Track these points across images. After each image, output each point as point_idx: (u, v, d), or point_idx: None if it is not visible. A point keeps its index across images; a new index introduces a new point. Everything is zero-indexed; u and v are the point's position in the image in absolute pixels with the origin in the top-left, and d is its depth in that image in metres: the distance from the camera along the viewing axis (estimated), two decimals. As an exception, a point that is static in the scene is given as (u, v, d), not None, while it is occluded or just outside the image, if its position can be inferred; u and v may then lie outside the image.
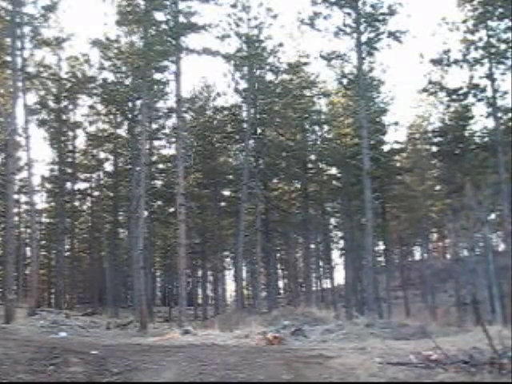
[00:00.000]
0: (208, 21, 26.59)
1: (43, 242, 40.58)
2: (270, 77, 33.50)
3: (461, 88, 27.81)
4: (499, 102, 26.39)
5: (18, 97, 26.14)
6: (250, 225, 32.18)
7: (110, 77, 34.34)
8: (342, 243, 39.97)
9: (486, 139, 28.47)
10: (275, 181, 37.41)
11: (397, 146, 36.07)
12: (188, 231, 27.16)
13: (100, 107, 35.97)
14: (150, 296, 34.48)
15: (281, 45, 32.48)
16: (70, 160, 37.01)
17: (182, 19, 26.09)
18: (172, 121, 34.38)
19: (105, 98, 34.56)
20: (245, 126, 33.61)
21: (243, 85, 33.35)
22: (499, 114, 26.61)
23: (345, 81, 29.86)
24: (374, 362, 8.32)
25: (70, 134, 37.26)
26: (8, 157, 27.03)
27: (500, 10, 26.05)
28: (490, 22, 26.41)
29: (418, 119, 36.77)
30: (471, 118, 29.43)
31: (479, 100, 27.33)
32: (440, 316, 21.93)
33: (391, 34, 27.09)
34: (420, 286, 38.13)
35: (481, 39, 26.47)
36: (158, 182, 38.50)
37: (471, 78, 27.09)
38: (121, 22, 26.99)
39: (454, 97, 28.81)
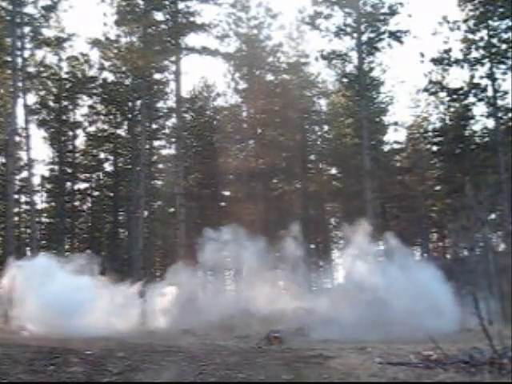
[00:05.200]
0: (207, 21, 26.68)
1: (43, 241, 40.54)
2: (269, 77, 33.55)
3: (461, 88, 27.79)
4: (499, 102, 26.39)
5: (18, 97, 26.14)
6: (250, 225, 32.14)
7: (110, 77, 34.40)
8: (341, 243, 39.92)
9: (487, 139, 28.45)
10: (275, 181, 37.37)
11: (397, 146, 36.08)
12: (188, 231, 27.13)
13: (100, 107, 35.93)
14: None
15: (280, 45, 32.55)
16: (70, 160, 36.92)
17: (181, 19, 26.12)
18: (172, 121, 34.41)
19: (105, 98, 34.57)
20: (245, 126, 33.62)
21: (243, 85, 33.40)
22: (499, 114, 26.60)
23: (345, 81, 29.88)
24: (373, 362, 8.32)
25: (70, 133, 37.19)
26: (8, 157, 27.04)
27: (501, 9, 26.05)
28: (490, 22, 26.39)
29: (418, 119, 36.73)
30: (471, 117, 29.39)
31: (480, 100, 27.30)
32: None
33: (392, 34, 27.11)
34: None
35: (482, 39, 26.45)
36: (158, 182, 38.45)
37: (472, 77, 27.08)
38: (120, 21, 26.97)
39: (455, 96, 28.79)
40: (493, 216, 29.27)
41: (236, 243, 20.68)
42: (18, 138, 28.94)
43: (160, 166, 37.74)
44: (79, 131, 36.89)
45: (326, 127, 37.77)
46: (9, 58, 26.16)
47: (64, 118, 36.16)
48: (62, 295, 16.30)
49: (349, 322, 15.56)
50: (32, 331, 15.37)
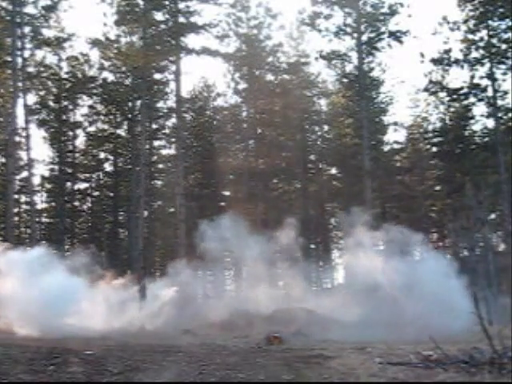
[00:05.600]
0: (207, 21, 26.65)
1: (43, 241, 40.51)
2: (269, 77, 33.56)
3: (461, 88, 27.81)
4: (499, 102, 26.42)
5: (18, 97, 26.14)
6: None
7: (110, 77, 34.42)
8: (341, 243, 39.93)
9: (486, 139, 28.46)
10: (275, 181, 37.39)
11: (397, 146, 36.09)
12: (188, 231, 27.12)
13: (100, 107, 35.94)
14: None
15: (280, 45, 32.55)
16: (70, 160, 36.94)
17: (181, 19, 26.11)
18: (172, 121, 34.41)
19: (105, 98, 34.57)
20: (245, 125, 33.62)
21: (243, 85, 33.41)
22: (499, 114, 26.62)
23: (345, 81, 29.89)
24: (374, 361, 8.33)
25: (70, 133, 37.20)
26: (8, 157, 27.04)
27: (501, 9, 26.06)
28: (490, 22, 26.41)
29: (418, 119, 36.74)
30: (471, 117, 29.41)
31: (480, 100, 27.33)
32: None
33: (392, 34, 27.11)
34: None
35: (481, 39, 26.47)
36: (158, 182, 38.45)
37: (472, 77, 27.10)
38: (120, 21, 26.97)
39: (455, 96, 28.81)
40: (493, 216, 29.29)
41: (236, 237, 20.56)
42: (17, 138, 28.96)
43: (160, 165, 37.74)
44: (79, 131, 36.94)
45: (326, 127, 37.78)
46: (9, 58, 26.16)
47: (64, 117, 36.17)
48: (55, 293, 15.75)
49: (355, 322, 15.46)
50: (23, 332, 14.25)
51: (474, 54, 26.60)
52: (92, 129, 36.89)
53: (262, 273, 21.27)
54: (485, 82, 26.60)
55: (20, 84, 26.17)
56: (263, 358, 8.89)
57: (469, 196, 22.54)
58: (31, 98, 31.89)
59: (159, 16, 26.42)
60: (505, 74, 26.03)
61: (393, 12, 27.27)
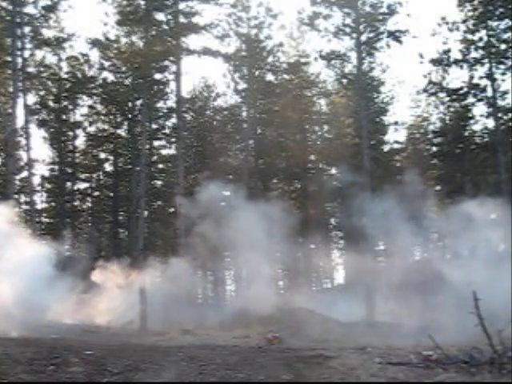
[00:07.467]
0: (208, 21, 26.66)
1: (43, 242, 40.44)
2: (269, 77, 33.56)
3: (461, 88, 27.82)
4: (499, 102, 26.42)
5: (18, 97, 26.13)
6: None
7: (110, 77, 34.40)
8: (342, 243, 39.95)
9: (486, 139, 28.48)
10: (275, 181, 37.37)
11: (397, 146, 36.09)
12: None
13: (100, 107, 35.93)
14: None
15: (281, 45, 32.55)
16: (70, 160, 36.94)
17: (182, 19, 26.11)
18: (172, 121, 34.40)
19: (105, 98, 34.55)
20: (245, 126, 33.61)
21: (243, 85, 33.40)
22: (499, 114, 26.62)
23: (345, 81, 29.89)
24: (373, 362, 8.34)
25: (70, 133, 37.19)
26: (8, 157, 27.03)
27: (500, 9, 26.07)
28: (490, 22, 26.41)
29: (418, 119, 36.75)
30: (471, 118, 29.43)
31: (479, 100, 27.34)
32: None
33: (391, 34, 27.08)
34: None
35: (481, 39, 26.47)
36: (158, 182, 38.45)
37: (471, 78, 27.12)
38: (122, 22, 26.96)
39: (454, 97, 28.82)
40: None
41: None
42: (18, 138, 28.95)
43: (160, 165, 37.74)
44: (79, 131, 36.92)
45: (326, 127, 37.77)
46: (9, 58, 26.16)
47: (64, 117, 36.16)
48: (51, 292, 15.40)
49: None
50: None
51: (474, 54, 26.62)
52: (92, 129, 36.89)
53: (262, 273, 21.27)
54: (484, 82, 26.61)
55: (20, 84, 26.16)
56: (263, 358, 8.89)
57: (469, 196, 22.57)
58: (31, 98, 31.91)
59: (160, 16, 26.43)
60: (504, 73, 26.05)
61: (391, 12, 27.21)
